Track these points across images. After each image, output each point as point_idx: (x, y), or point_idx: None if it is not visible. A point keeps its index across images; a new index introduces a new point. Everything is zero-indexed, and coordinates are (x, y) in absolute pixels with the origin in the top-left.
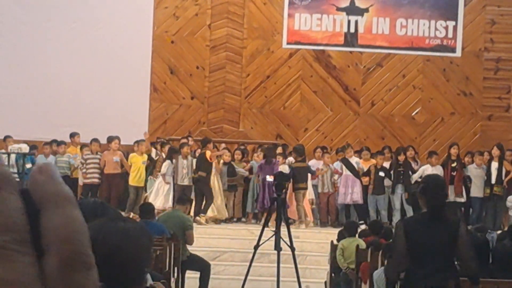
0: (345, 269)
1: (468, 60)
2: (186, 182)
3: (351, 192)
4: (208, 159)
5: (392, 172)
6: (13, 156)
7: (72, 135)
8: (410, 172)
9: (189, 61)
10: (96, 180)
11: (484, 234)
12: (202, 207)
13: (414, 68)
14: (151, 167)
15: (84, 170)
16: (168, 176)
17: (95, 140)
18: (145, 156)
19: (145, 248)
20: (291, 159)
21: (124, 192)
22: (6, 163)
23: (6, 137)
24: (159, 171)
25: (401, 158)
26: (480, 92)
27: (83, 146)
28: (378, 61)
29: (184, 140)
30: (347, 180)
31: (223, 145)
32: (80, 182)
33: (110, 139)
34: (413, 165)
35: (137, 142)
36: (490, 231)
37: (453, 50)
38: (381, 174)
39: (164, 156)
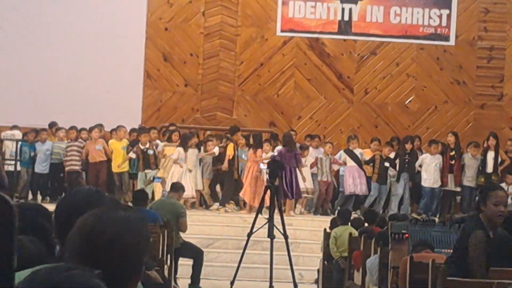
0: (338, 258)
1: (462, 49)
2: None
3: (359, 182)
4: (230, 153)
5: (397, 160)
6: (10, 144)
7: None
8: (415, 161)
9: (183, 48)
10: (76, 168)
11: None
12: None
13: (407, 56)
14: (145, 160)
15: (65, 158)
16: (182, 161)
17: (73, 127)
18: (125, 141)
19: (145, 237)
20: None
21: (110, 179)
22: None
23: (13, 127)
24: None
25: (408, 147)
26: (473, 81)
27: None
28: (372, 49)
29: (172, 127)
30: (353, 171)
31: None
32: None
33: (91, 129)
34: (418, 154)
35: (114, 128)
36: None
37: (446, 38)
38: (386, 164)
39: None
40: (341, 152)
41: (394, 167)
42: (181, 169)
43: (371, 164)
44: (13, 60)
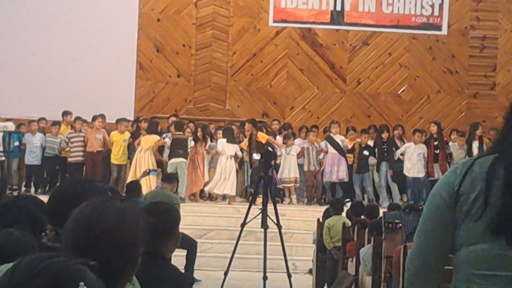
0: (331, 249)
1: (454, 38)
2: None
3: (336, 170)
4: (263, 141)
5: (376, 150)
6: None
7: (65, 114)
8: (394, 149)
9: (175, 39)
10: (80, 158)
11: None
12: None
13: (400, 46)
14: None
15: (68, 149)
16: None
17: (78, 118)
18: (127, 134)
19: (141, 228)
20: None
21: (106, 170)
22: None
23: None
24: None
25: (385, 136)
26: (466, 70)
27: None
28: (364, 39)
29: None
30: (333, 158)
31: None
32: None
33: (94, 118)
34: (399, 143)
35: (118, 120)
36: None
37: (439, 28)
38: (366, 153)
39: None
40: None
41: (374, 155)
42: (231, 162)
43: (352, 152)
44: (5, 52)
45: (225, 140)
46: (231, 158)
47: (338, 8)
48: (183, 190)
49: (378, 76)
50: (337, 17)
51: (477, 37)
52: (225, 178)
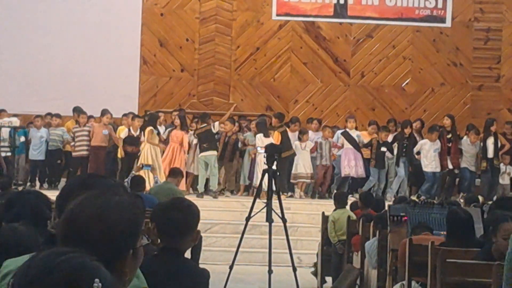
0: (335, 243)
1: (458, 31)
2: None
3: (355, 165)
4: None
5: (396, 144)
6: (5, 130)
7: (76, 111)
8: (413, 146)
9: (179, 34)
10: (85, 153)
11: (479, 205)
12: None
13: (404, 39)
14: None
15: (73, 143)
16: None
17: (82, 112)
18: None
19: (129, 220)
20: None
21: (111, 164)
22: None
23: (0, 111)
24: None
25: (407, 131)
26: (470, 63)
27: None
28: (367, 32)
29: (176, 113)
30: (349, 153)
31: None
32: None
33: (103, 113)
34: (418, 138)
35: (125, 115)
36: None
37: (443, 20)
38: (383, 149)
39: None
40: (338, 133)
41: (392, 151)
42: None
43: (369, 147)
44: (9, 48)
45: (262, 134)
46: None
47: (342, 1)
48: (215, 184)
49: (382, 69)
50: (340, 10)
51: (481, 29)
52: None
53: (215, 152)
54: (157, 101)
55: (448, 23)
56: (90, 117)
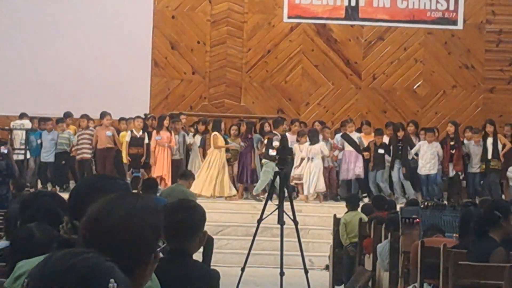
0: (347, 245)
1: (470, 33)
2: (177, 156)
3: (353, 167)
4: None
5: (391, 147)
6: (17, 133)
7: (67, 116)
8: (408, 148)
9: (190, 36)
10: (87, 156)
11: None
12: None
13: (415, 41)
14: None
15: (76, 146)
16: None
17: (85, 116)
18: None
19: (152, 225)
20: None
21: (119, 166)
22: (20, 139)
23: (22, 115)
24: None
25: (400, 134)
26: (482, 65)
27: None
28: (379, 34)
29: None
30: (349, 155)
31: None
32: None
33: (103, 115)
34: (414, 140)
35: (124, 119)
36: None
37: (454, 22)
38: (381, 151)
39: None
40: (337, 136)
41: (389, 154)
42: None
43: (368, 151)
44: (21, 50)
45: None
46: (312, 160)
47: (353, 3)
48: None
49: (393, 71)
50: (351, 12)
51: (493, 31)
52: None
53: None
54: (168, 103)
55: (459, 26)
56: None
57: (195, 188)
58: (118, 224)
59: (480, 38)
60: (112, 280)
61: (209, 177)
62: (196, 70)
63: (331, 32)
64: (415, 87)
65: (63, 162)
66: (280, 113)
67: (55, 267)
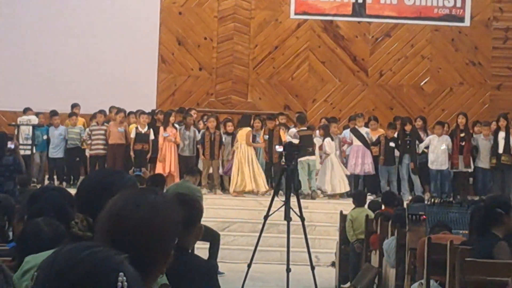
0: (353, 241)
1: (477, 30)
2: (187, 153)
3: (361, 163)
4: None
5: (399, 142)
6: (24, 128)
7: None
8: (417, 142)
9: (197, 32)
10: (101, 151)
11: None
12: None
13: (422, 38)
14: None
15: (89, 142)
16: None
17: (100, 111)
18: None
19: (173, 222)
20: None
21: (128, 162)
22: (24, 135)
23: (26, 110)
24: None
25: (408, 128)
26: (489, 62)
27: (91, 118)
28: (386, 31)
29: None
30: (358, 150)
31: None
32: (87, 154)
33: (117, 112)
34: (422, 135)
35: (133, 112)
36: None
37: (461, 19)
38: (392, 144)
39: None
40: (346, 131)
41: (399, 148)
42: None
43: (377, 145)
44: (29, 46)
45: (329, 138)
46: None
47: (360, 0)
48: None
49: (400, 68)
50: (358, 9)
51: (500, 28)
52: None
53: (314, 157)
54: (175, 99)
55: (467, 22)
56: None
57: (259, 187)
58: (143, 221)
59: (487, 35)
60: (121, 273)
61: (252, 172)
62: (203, 66)
63: (338, 29)
64: (422, 83)
65: (77, 159)
66: (287, 109)
67: (64, 260)
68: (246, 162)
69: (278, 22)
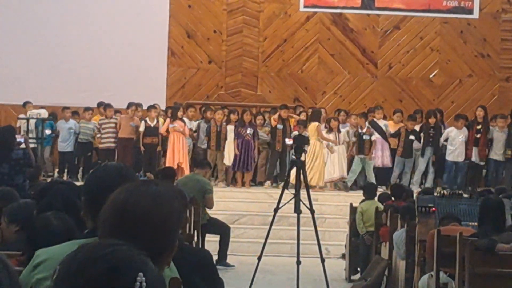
0: (363, 233)
1: (486, 22)
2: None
3: (381, 154)
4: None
5: (422, 134)
6: (32, 122)
7: (100, 105)
8: (439, 135)
9: (207, 25)
10: (112, 145)
11: (506, 196)
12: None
13: (431, 30)
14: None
15: (99, 135)
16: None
17: (109, 105)
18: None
19: (177, 211)
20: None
21: (137, 156)
22: (25, 128)
23: (25, 103)
24: None
25: (432, 121)
26: (497, 54)
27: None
28: (395, 23)
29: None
30: (377, 143)
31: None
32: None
33: (128, 106)
34: (442, 128)
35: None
36: None
37: (470, 11)
38: (412, 137)
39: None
40: (365, 123)
41: (419, 140)
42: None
43: (397, 137)
44: (38, 40)
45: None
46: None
47: None
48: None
49: (409, 60)
50: (368, 1)
51: (509, 20)
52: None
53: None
54: (184, 92)
55: (475, 15)
56: (117, 111)
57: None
58: (147, 212)
59: (496, 27)
60: (141, 274)
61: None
62: (213, 59)
63: (347, 21)
64: (431, 76)
65: (89, 153)
66: (297, 102)
67: (86, 256)
68: (314, 156)
69: (288, 15)
